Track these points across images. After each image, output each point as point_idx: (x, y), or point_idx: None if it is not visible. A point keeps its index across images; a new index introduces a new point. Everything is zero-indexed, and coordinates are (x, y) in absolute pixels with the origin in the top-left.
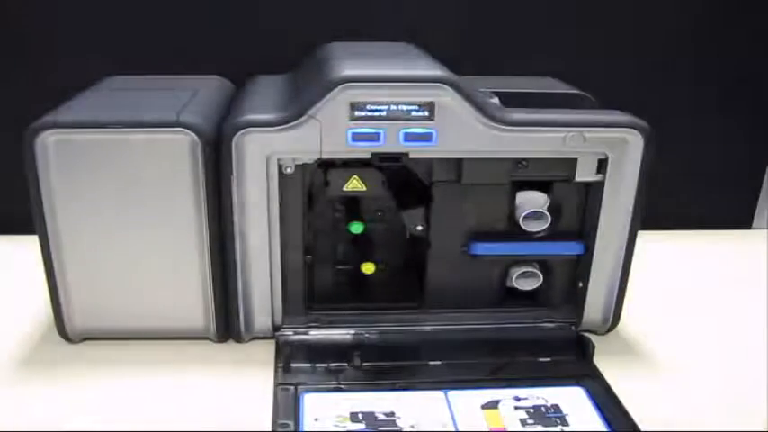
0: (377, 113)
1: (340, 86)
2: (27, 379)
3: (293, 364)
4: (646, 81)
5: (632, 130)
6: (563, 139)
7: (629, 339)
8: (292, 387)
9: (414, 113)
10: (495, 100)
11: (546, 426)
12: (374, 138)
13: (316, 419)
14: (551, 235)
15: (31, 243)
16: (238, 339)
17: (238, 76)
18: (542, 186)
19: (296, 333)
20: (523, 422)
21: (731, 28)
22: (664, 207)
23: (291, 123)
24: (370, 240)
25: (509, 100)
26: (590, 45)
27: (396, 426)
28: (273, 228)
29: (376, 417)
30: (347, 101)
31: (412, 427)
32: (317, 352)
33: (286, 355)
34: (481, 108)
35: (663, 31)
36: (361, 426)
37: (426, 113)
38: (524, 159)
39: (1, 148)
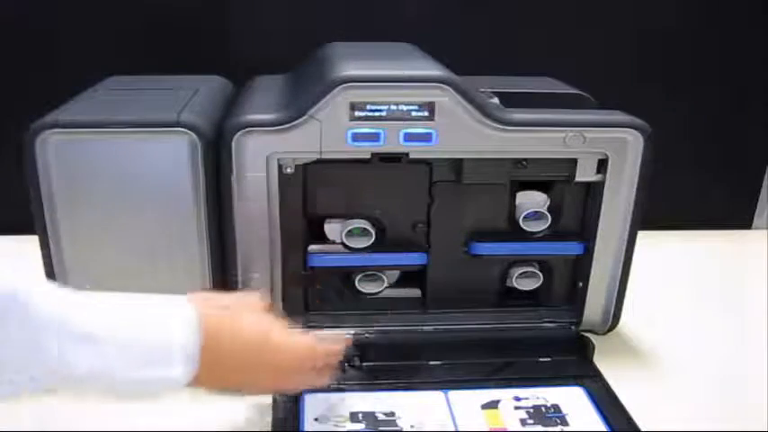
0: (377, 113)
1: (340, 86)
2: None
3: None
4: (646, 81)
5: (632, 130)
6: (563, 139)
7: (629, 339)
8: None
9: (414, 113)
10: (495, 100)
11: (546, 426)
12: (374, 138)
13: (316, 419)
14: (551, 235)
15: (31, 243)
16: None
17: (238, 76)
18: (542, 186)
19: None
20: (523, 422)
21: (731, 28)
22: (664, 207)
23: (291, 123)
24: None
25: (509, 100)
26: (590, 45)
27: (396, 426)
28: (273, 228)
29: (376, 417)
30: (347, 101)
31: (412, 427)
32: None
33: None
34: (481, 108)
35: (663, 31)
36: (361, 426)
37: (426, 113)
38: (524, 159)
39: (1, 148)
